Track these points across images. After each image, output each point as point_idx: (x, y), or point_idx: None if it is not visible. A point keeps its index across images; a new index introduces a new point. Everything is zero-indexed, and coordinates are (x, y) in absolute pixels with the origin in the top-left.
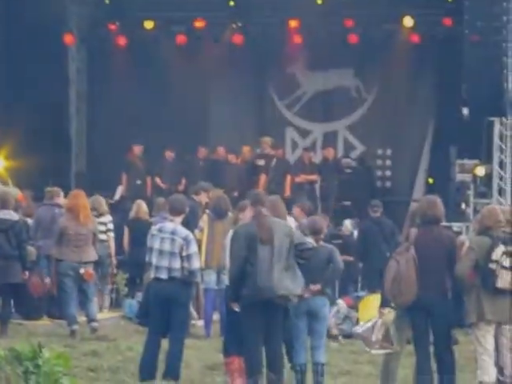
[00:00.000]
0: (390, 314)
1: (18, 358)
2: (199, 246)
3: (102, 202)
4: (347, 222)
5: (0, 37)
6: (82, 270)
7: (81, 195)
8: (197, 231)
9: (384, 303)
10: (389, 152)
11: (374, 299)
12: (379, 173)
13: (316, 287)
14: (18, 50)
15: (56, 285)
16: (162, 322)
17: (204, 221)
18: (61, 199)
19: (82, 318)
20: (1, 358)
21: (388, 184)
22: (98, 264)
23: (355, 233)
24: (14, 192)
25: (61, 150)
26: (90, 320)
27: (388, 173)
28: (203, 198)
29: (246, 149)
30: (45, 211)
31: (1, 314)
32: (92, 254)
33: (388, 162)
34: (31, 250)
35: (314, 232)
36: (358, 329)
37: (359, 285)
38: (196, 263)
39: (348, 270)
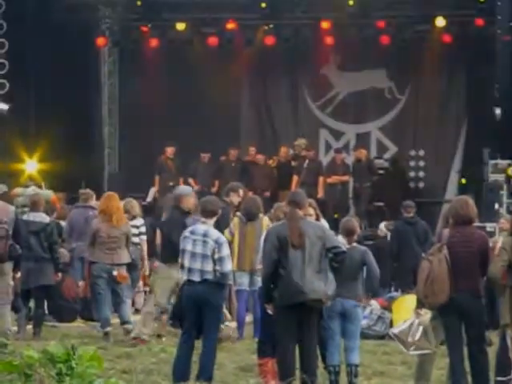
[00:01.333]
0: (426, 315)
1: (51, 360)
2: (230, 248)
3: (134, 205)
4: (382, 225)
5: (33, 40)
6: (114, 272)
7: (114, 197)
8: (227, 233)
9: (420, 304)
10: (421, 153)
11: (408, 300)
12: (412, 174)
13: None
14: (51, 53)
15: (90, 287)
16: (195, 323)
17: (235, 223)
18: (93, 201)
19: (116, 320)
20: (34, 360)
21: (421, 185)
22: (131, 266)
23: (389, 235)
24: (47, 194)
25: (94, 152)
26: (123, 322)
27: (421, 174)
28: (234, 198)
29: (282, 149)
30: (78, 214)
31: (34, 317)
32: (125, 257)
33: (421, 163)
34: (63, 252)
35: (347, 233)
36: (395, 329)
37: (392, 285)
38: (228, 265)
39: (381, 270)
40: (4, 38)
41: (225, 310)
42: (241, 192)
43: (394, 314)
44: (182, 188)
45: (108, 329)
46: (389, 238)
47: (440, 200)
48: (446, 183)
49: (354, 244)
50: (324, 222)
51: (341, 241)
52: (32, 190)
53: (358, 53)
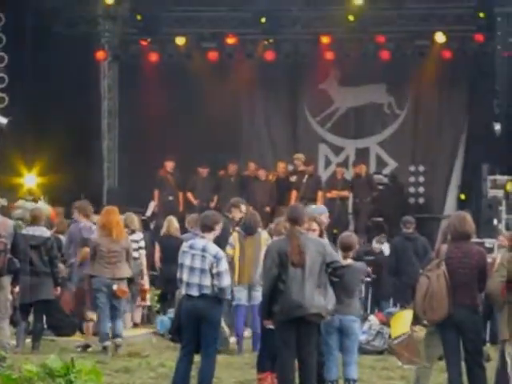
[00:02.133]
0: (421, 332)
1: (50, 374)
2: (230, 263)
3: (133, 220)
4: (374, 242)
5: (32, 54)
6: (114, 287)
7: (114, 211)
8: (228, 248)
9: (415, 320)
10: (421, 168)
11: (406, 315)
12: (412, 189)
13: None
14: (51, 67)
15: (91, 301)
16: (193, 338)
17: (234, 238)
18: (92, 216)
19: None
20: (33, 374)
21: (421, 200)
22: (130, 281)
23: (385, 249)
24: (46, 209)
25: (93, 166)
26: (115, 335)
27: (421, 189)
28: (236, 214)
29: (281, 165)
30: (77, 228)
31: (33, 330)
32: (125, 271)
33: (421, 179)
34: (61, 266)
35: (345, 248)
36: (393, 342)
37: (391, 301)
38: (226, 281)
39: (380, 286)
40: (3, 51)
41: (223, 325)
42: (243, 207)
43: (392, 328)
44: (318, 207)
45: (107, 343)
46: (385, 253)
47: (439, 216)
48: (445, 199)
49: (351, 261)
50: (325, 239)
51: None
52: (31, 204)
53: (358, 68)
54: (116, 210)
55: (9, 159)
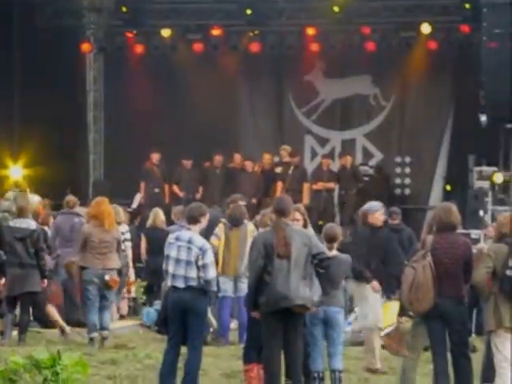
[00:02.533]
0: (407, 323)
1: (36, 366)
2: (215, 254)
3: (119, 212)
4: None
5: (17, 46)
6: (107, 277)
7: (105, 202)
8: (213, 238)
9: (402, 312)
10: (407, 160)
11: (392, 306)
12: (398, 180)
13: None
14: (36, 59)
15: (81, 293)
16: (180, 330)
17: (220, 229)
18: (78, 208)
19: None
20: (20, 365)
21: (407, 191)
22: (119, 272)
23: None
24: (34, 200)
25: (79, 158)
26: (102, 328)
27: (407, 180)
28: None
29: (266, 156)
30: (63, 220)
31: (19, 323)
32: (116, 261)
33: (407, 170)
34: (47, 258)
35: (329, 239)
36: (380, 333)
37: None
38: (211, 273)
39: None
40: None
41: (210, 316)
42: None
43: None
44: (371, 205)
45: (94, 334)
46: None
47: (425, 207)
48: (431, 190)
49: (336, 252)
50: (310, 229)
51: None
52: (18, 196)
53: (343, 59)
54: (107, 200)
55: None
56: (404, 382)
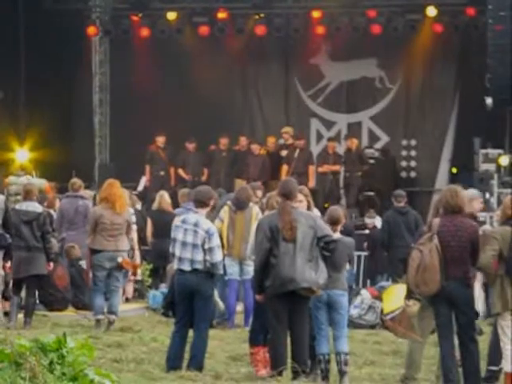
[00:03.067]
0: (414, 306)
1: (42, 349)
2: (219, 237)
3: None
4: (365, 218)
5: (23, 29)
6: (119, 259)
7: (116, 184)
8: (217, 221)
9: (408, 295)
10: (413, 142)
11: (398, 289)
12: (404, 163)
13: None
14: (41, 42)
15: (91, 276)
16: (187, 312)
17: (225, 211)
18: (83, 191)
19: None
20: (26, 348)
21: (413, 174)
22: (128, 254)
23: (378, 223)
24: (40, 183)
25: (84, 141)
26: (110, 312)
27: (413, 163)
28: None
29: (270, 139)
30: (68, 203)
31: (25, 306)
32: (126, 243)
33: (413, 153)
34: (53, 241)
35: (333, 222)
36: (387, 316)
37: (384, 275)
38: (218, 256)
39: (375, 260)
40: None
41: (217, 299)
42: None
43: (384, 303)
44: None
45: (100, 316)
46: (378, 227)
47: (431, 189)
48: (437, 173)
49: (340, 235)
50: (316, 211)
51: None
52: (25, 178)
53: (349, 42)
54: (118, 183)
55: (0, 135)
56: (410, 364)
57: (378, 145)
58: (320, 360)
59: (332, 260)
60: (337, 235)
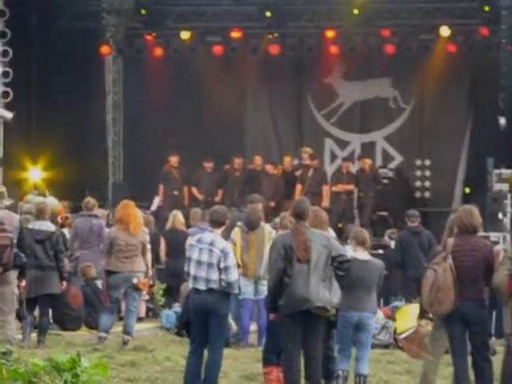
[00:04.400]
0: (427, 326)
1: (56, 369)
2: None
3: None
4: (386, 236)
5: (37, 48)
6: (135, 280)
7: (130, 205)
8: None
9: (422, 314)
10: (427, 162)
11: (412, 309)
12: (418, 183)
13: None
14: (55, 61)
15: (107, 298)
16: (202, 332)
17: (236, 233)
18: (97, 210)
19: (118, 328)
20: (40, 368)
21: (427, 194)
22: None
23: (391, 243)
24: (52, 203)
25: (97, 160)
26: (126, 332)
27: (427, 183)
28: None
29: (286, 159)
30: (82, 222)
31: (39, 325)
32: (141, 264)
33: (427, 173)
34: (66, 261)
35: (360, 243)
36: (400, 336)
37: (397, 295)
38: (233, 275)
39: (386, 279)
40: (8, 46)
41: (230, 320)
42: (260, 206)
43: (397, 322)
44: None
45: (103, 334)
46: (392, 246)
47: (446, 209)
48: (452, 193)
49: (369, 256)
50: (330, 231)
51: (349, 250)
52: (41, 198)
53: (363, 62)
54: (133, 203)
55: (14, 153)
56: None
57: (392, 165)
58: (338, 375)
59: (362, 282)
60: (366, 256)
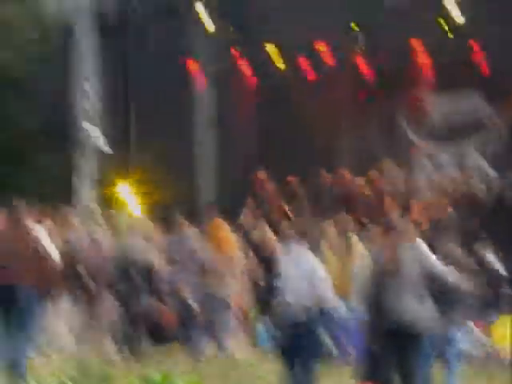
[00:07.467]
0: None
1: None
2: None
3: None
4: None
5: (125, 66)
6: (229, 299)
7: (222, 226)
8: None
9: None
10: None
11: (507, 321)
12: None
13: None
14: (144, 77)
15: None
16: (294, 349)
17: (326, 250)
18: (188, 229)
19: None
20: None
21: None
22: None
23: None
24: (145, 223)
25: (189, 178)
26: (220, 348)
27: None
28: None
29: (375, 173)
30: (173, 242)
31: (132, 341)
32: (234, 283)
33: None
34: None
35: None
36: (497, 349)
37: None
38: (323, 289)
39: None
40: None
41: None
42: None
43: (494, 336)
44: None
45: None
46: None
47: None
48: None
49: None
50: (422, 244)
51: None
52: (128, 215)
53: (453, 74)
54: (223, 223)
55: (106, 172)
56: None
57: (485, 179)
58: None
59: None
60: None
